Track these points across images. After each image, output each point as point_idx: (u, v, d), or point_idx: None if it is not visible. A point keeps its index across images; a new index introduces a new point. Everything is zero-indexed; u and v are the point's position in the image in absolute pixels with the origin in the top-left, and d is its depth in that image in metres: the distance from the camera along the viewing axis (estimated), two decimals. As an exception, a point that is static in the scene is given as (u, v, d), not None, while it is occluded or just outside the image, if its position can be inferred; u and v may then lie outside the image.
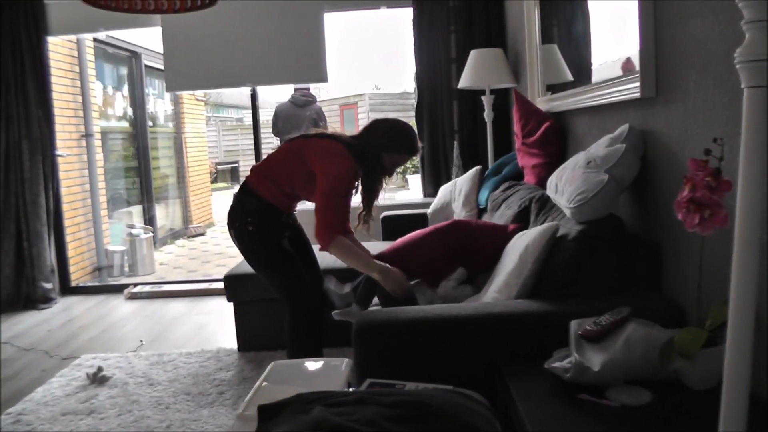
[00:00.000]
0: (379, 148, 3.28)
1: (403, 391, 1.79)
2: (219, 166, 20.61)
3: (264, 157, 3.62)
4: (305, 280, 3.44)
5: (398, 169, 3.50)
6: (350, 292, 3.31)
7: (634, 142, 2.61)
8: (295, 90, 8.47)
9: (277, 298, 3.60)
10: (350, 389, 2.12)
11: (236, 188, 3.51)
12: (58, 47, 6.80)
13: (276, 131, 8.56)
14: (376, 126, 3.37)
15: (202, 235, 11.32)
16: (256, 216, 3.32)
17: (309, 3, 5.93)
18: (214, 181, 17.87)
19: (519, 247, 2.70)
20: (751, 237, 1.31)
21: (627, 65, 2.88)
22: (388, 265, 3.12)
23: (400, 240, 3.44)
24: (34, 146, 6.07)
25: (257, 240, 3.35)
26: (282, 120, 8.43)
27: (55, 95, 6.34)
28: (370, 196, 3.46)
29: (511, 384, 2.03)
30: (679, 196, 1.70)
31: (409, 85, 21.99)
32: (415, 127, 5.90)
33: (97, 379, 4.01)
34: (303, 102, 8.33)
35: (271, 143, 19.96)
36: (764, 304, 1.82)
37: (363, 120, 19.87)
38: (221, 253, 9.60)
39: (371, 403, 1.60)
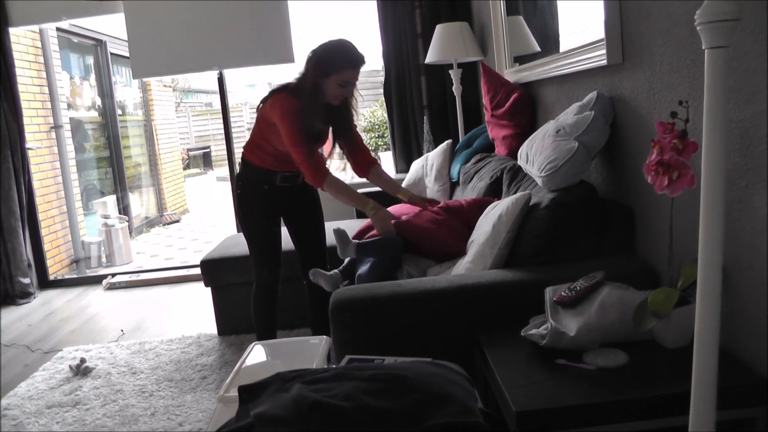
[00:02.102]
0: (316, 77, 3.29)
1: (381, 365, 1.80)
2: (191, 152, 20.45)
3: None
4: (272, 258, 3.63)
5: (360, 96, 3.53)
6: (337, 273, 3.32)
7: (603, 109, 2.63)
8: None
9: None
10: (332, 366, 2.13)
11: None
12: (20, 38, 6.70)
13: None
14: (308, 58, 3.36)
15: (177, 222, 11.27)
16: (244, 180, 3.56)
17: (272, -17, 5.88)
18: (186, 167, 17.79)
19: (492, 217, 2.71)
20: (716, 195, 1.34)
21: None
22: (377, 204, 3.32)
23: (409, 221, 3.32)
24: (2, 141, 5.98)
25: (241, 203, 3.61)
26: None
27: (21, 87, 6.26)
28: (342, 126, 3.54)
29: (488, 353, 2.06)
30: (648, 159, 1.72)
31: (377, 62, 21.95)
32: (383, 104, 5.91)
33: (81, 370, 4.00)
34: None
35: (241, 127, 19.92)
36: (732, 262, 1.85)
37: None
38: (197, 239, 9.57)
39: (349, 378, 1.61)
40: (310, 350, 2.25)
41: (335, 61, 3.27)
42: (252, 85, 28.51)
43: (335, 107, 3.42)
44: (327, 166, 3.46)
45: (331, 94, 3.33)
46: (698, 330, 1.37)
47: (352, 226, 4.42)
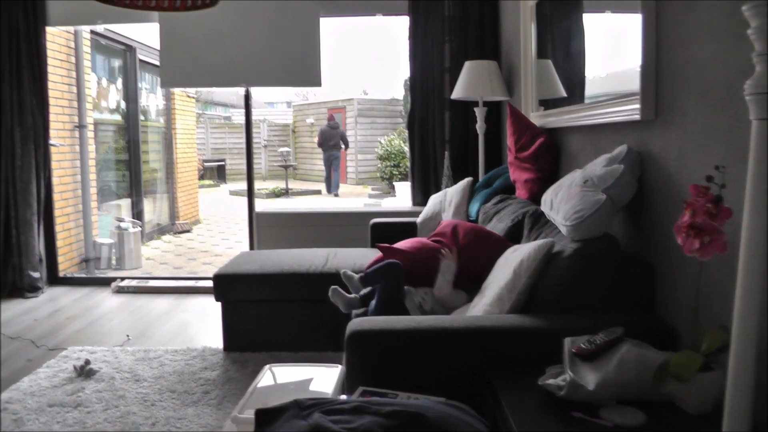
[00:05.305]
0: None
1: (400, 401, 1.80)
2: (206, 164, 20.58)
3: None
4: None
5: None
6: (356, 297, 3.33)
7: (632, 163, 2.64)
8: (329, 119, 18.46)
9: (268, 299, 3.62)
10: (344, 396, 2.13)
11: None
12: (55, 37, 6.79)
13: (320, 144, 18.12)
14: None
15: (188, 231, 11.30)
16: None
17: (306, 7, 5.95)
18: (201, 178, 17.86)
19: (513, 261, 2.72)
20: (756, 266, 1.33)
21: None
22: None
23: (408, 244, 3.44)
24: (27, 135, 6.07)
25: None
26: (324, 137, 17.93)
27: (50, 85, 6.33)
28: None
29: (503, 398, 2.05)
30: (679, 220, 1.72)
31: (398, 91, 22.09)
32: (401, 133, 5.97)
33: (84, 372, 4.00)
34: (335, 126, 18.12)
35: (258, 143, 20.09)
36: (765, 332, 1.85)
37: (351, 124, 20.01)
38: (207, 251, 9.59)
39: (368, 413, 1.61)
40: (324, 378, 2.26)
41: None
42: (271, 103, 28.78)
43: None
44: None
45: None
46: (730, 400, 1.36)
47: (366, 254, 4.44)
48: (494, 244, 3.23)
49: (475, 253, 3.22)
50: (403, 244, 3.39)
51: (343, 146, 18.50)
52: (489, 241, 3.29)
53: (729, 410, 1.37)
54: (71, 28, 7.06)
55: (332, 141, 18.06)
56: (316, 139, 19.08)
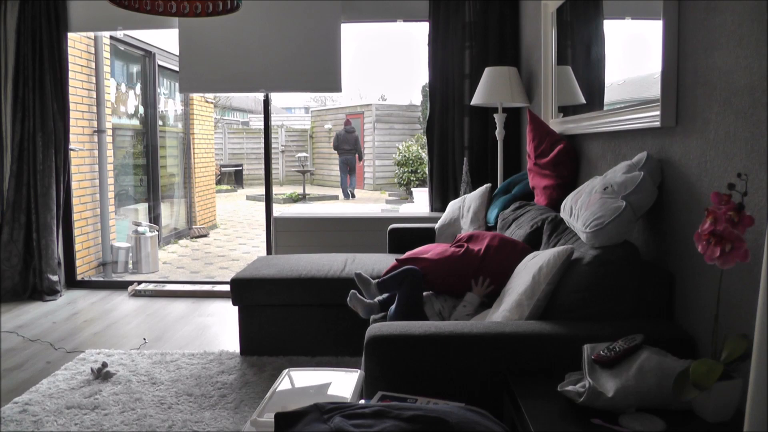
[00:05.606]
0: None
1: (422, 406, 1.80)
2: (223, 169, 20.67)
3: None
4: None
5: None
6: (375, 302, 3.34)
7: (652, 170, 2.64)
8: (346, 124, 18.66)
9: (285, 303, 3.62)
10: (363, 401, 2.13)
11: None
12: (75, 43, 6.85)
13: (336, 147, 18.61)
14: None
15: (205, 236, 11.34)
16: None
17: (327, 13, 5.97)
18: (218, 183, 17.94)
19: (532, 268, 2.71)
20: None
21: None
22: None
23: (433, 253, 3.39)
24: (48, 139, 6.13)
25: None
26: (340, 140, 18.41)
27: (70, 90, 6.38)
28: None
29: (522, 404, 2.05)
30: (700, 228, 1.71)
31: (416, 97, 22.15)
32: (419, 139, 5.96)
33: (102, 374, 4.02)
34: (352, 130, 18.46)
35: (276, 148, 20.21)
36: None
37: (369, 130, 20.06)
38: (224, 256, 9.61)
39: (390, 417, 1.61)
40: (343, 382, 2.26)
41: None
42: (289, 108, 28.88)
43: None
44: None
45: None
46: (750, 410, 1.35)
47: (385, 260, 4.44)
48: (520, 255, 3.18)
49: (502, 264, 3.18)
50: (423, 252, 3.38)
51: (356, 154, 18.75)
52: (515, 252, 3.24)
53: (750, 418, 1.36)
54: (92, 34, 7.14)
55: (347, 145, 18.38)
56: (332, 142, 19.28)
